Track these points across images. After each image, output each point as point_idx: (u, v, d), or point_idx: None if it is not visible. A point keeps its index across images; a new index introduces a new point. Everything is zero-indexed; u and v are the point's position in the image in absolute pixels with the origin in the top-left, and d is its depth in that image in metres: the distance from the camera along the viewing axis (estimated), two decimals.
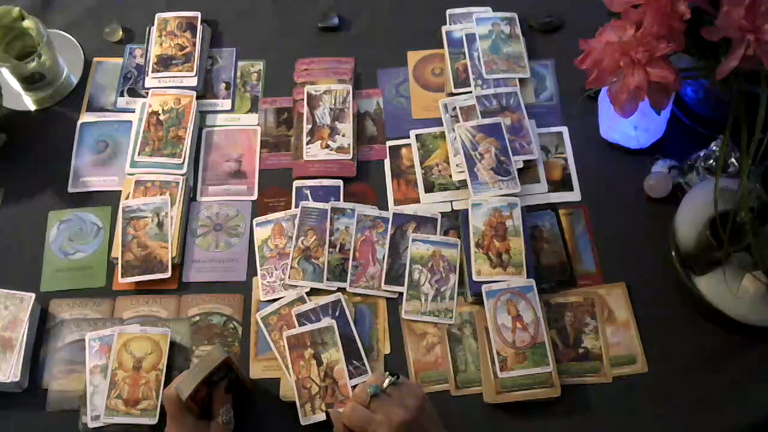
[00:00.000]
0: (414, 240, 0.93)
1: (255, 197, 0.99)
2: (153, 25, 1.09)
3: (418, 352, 0.88)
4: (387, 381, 0.74)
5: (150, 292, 0.92)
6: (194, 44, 1.07)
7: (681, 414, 0.83)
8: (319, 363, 0.85)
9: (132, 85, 1.07)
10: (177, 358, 0.88)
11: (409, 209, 0.96)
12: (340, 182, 0.98)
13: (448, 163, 0.99)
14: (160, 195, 0.96)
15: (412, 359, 0.87)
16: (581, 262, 0.93)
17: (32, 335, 0.89)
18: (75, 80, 1.08)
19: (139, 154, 0.99)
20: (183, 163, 0.99)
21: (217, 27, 1.12)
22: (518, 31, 1.07)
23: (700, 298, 0.83)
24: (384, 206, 0.97)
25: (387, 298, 0.91)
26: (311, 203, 0.96)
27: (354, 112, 1.02)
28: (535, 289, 0.88)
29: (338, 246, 0.93)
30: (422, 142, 1.02)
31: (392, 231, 0.94)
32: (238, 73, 1.09)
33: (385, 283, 0.91)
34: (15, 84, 1.06)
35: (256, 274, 0.93)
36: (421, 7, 1.12)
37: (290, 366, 0.86)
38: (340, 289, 0.91)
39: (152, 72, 1.06)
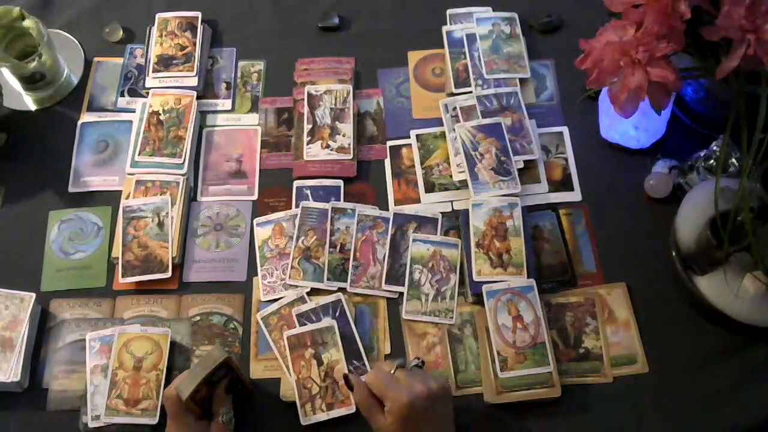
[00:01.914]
0: (414, 240, 0.93)
1: (255, 197, 0.99)
2: (153, 25, 1.09)
3: (418, 352, 0.88)
4: (414, 362, 0.78)
5: (150, 292, 0.92)
6: (194, 44, 1.07)
7: (681, 414, 0.83)
8: (320, 363, 0.85)
9: (132, 85, 1.07)
10: (177, 358, 0.88)
11: (409, 209, 0.96)
12: (341, 182, 0.98)
13: (449, 163, 0.99)
14: (161, 195, 0.96)
15: (412, 359, 0.87)
16: (582, 262, 0.93)
17: (33, 335, 0.89)
18: (75, 80, 1.08)
19: (139, 154, 0.99)
20: (183, 163, 0.99)
21: (218, 27, 1.12)
22: (518, 30, 1.07)
23: (700, 298, 0.83)
24: (384, 206, 0.97)
25: (387, 298, 0.91)
26: (311, 203, 0.96)
27: (354, 112, 1.02)
28: (536, 289, 0.88)
29: (338, 246, 0.93)
30: (422, 142, 1.02)
31: (393, 231, 0.94)
32: (239, 73, 1.09)
33: (385, 283, 0.91)
34: (15, 84, 1.06)
35: (256, 274, 0.93)
36: (422, 7, 1.12)
37: (291, 366, 0.86)
38: (340, 289, 0.91)
39: (153, 72, 1.06)
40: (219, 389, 0.79)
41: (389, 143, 1.02)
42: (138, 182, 0.97)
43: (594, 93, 1.01)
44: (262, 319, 0.90)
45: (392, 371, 0.76)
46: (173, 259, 0.92)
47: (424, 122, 1.03)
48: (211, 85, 1.08)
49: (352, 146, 1.00)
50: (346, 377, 0.79)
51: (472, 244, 0.91)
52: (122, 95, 1.07)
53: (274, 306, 0.90)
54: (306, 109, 1.03)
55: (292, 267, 0.92)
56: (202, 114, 1.05)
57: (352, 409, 0.83)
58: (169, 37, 1.08)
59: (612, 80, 0.73)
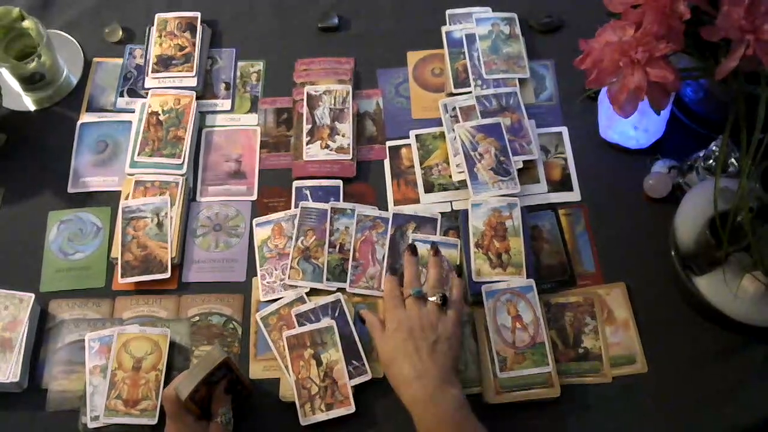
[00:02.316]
0: (414, 240, 0.93)
1: (255, 197, 0.99)
2: (153, 25, 1.09)
3: None
4: (435, 298, 0.81)
5: (150, 292, 0.92)
6: (194, 44, 1.07)
7: (681, 414, 0.83)
8: (319, 363, 0.85)
9: (132, 85, 1.07)
10: (177, 358, 0.88)
11: (408, 209, 0.96)
12: (340, 182, 0.98)
13: (448, 164, 0.99)
14: (160, 195, 0.96)
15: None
16: (581, 263, 0.93)
17: (32, 335, 0.89)
18: (75, 80, 1.08)
19: (138, 155, 0.99)
20: (183, 163, 0.99)
21: (217, 27, 1.12)
22: (518, 31, 1.07)
23: (699, 298, 0.83)
24: (384, 206, 0.97)
25: None
26: (311, 203, 0.96)
27: (354, 113, 1.02)
28: (535, 289, 0.88)
29: (338, 246, 0.93)
30: (422, 142, 1.02)
31: (392, 231, 0.94)
32: (238, 74, 1.09)
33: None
34: (15, 84, 1.06)
35: (255, 275, 0.93)
36: (421, 7, 1.12)
37: (290, 366, 0.86)
38: (339, 290, 0.91)
39: (152, 72, 1.06)
40: (218, 390, 0.79)
41: (388, 143, 1.02)
42: (137, 182, 0.97)
43: (593, 93, 1.01)
44: (261, 319, 0.90)
45: (407, 294, 0.81)
46: (172, 259, 0.92)
47: (424, 122, 1.03)
48: (210, 86, 1.08)
49: (351, 146, 1.00)
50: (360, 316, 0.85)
51: (472, 245, 0.91)
52: (122, 95, 1.07)
53: (274, 306, 0.90)
54: (305, 110, 1.03)
55: (291, 267, 0.92)
56: (202, 114, 1.05)
57: (352, 409, 0.83)
58: (169, 37, 1.08)
59: (611, 80, 0.73)
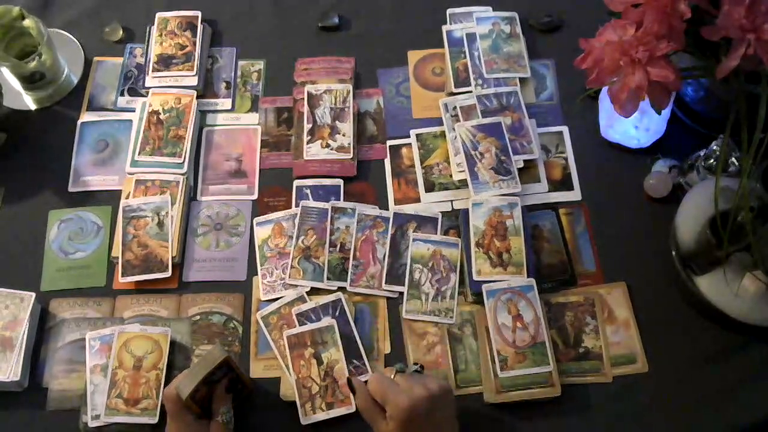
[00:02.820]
0: (414, 239, 0.93)
1: (255, 197, 0.99)
2: (153, 24, 1.09)
3: (418, 351, 0.88)
4: (414, 367, 0.78)
5: (150, 291, 0.92)
6: (194, 43, 1.07)
7: (681, 413, 0.83)
8: (320, 362, 0.85)
9: (132, 84, 1.07)
10: (177, 357, 0.88)
11: (409, 209, 0.96)
12: (341, 182, 0.98)
13: (449, 163, 0.99)
14: (161, 194, 0.96)
15: (412, 359, 0.87)
16: (581, 262, 0.93)
17: (32, 335, 0.89)
18: (75, 79, 1.08)
19: (139, 154, 0.99)
20: (183, 162, 0.99)
21: (218, 26, 1.12)
22: (518, 30, 1.07)
23: (700, 297, 0.83)
24: (384, 206, 0.97)
25: (387, 298, 0.91)
26: (311, 203, 0.96)
27: (354, 112, 1.02)
28: (536, 288, 0.88)
29: (338, 245, 0.93)
30: (422, 141, 1.02)
31: (393, 230, 0.94)
32: (239, 73, 1.09)
33: (385, 283, 0.91)
34: (15, 83, 1.06)
35: (256, 274, 0.93)
36: (422, 7, 1.12)
37: (290, 365, 0.86)
38: (340, 289, 0.91)
39: (152, 71, 1.05)
40: (219, 389, 0.79)
41: (389, 143, 1.02)
42: (138, 182, 0.97)
43: (594, 92, 1.01)
44: (261, 318, 0.90)
45: (392, 376, 0.76)
46: (173, 258, 0.92)
47: (424, 122, 1.03)
48: (211, 85, 1.08)
49: (352, 146, 1.00)
50: (349, 381, 0.80)
51: (472, 244, 0.91)
52: (122, 95, 1.07)
53: (274, 305, 0.90)
54: (306, 109, 1.03)
55: (291, 266, 0.92)
56: (202, 113, 1.05)
57: (352, 409, 0.83)
58: (169, 36, 1.08)
59: (612, 80, 0.73)
